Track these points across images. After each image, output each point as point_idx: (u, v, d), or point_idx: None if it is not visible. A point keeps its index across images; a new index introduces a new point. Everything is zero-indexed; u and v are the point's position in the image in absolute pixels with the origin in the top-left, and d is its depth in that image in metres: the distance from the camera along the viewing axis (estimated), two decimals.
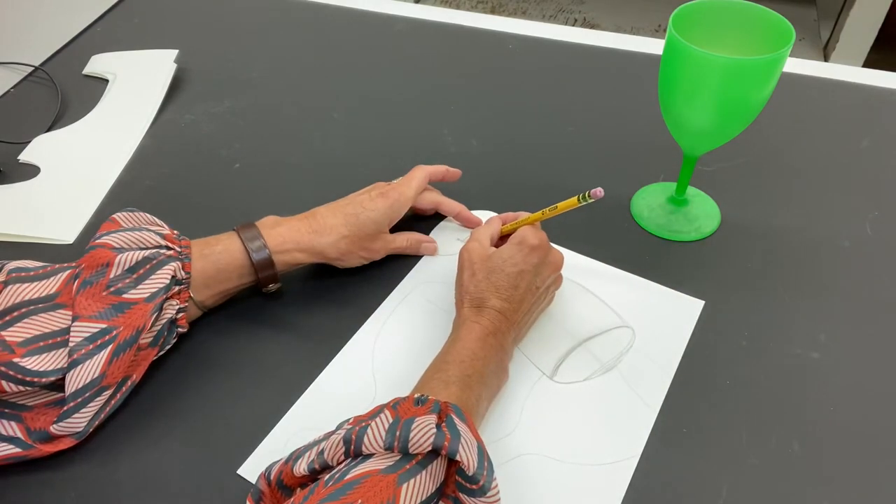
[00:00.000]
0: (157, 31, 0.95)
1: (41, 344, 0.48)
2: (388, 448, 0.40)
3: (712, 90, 0.53)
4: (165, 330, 0.53)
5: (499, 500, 0.41)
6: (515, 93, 0.82)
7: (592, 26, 2.30)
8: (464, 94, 0.83)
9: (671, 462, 0.49)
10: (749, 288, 0.60)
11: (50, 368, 0.47)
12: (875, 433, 0.51)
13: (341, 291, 0.61)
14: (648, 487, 0.48)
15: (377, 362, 0.56)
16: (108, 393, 0.49)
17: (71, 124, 0.80)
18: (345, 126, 0.79)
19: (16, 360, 0.46)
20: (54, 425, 0.48)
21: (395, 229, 0.61)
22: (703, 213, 0.66)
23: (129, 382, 0.51)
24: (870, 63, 2.02)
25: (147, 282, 0.51)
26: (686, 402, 0.52)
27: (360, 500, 0.37)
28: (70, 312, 0.49)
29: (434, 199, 0.64)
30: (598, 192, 0.52)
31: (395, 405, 0.42)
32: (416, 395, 0.43)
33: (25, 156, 0.75)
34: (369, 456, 0.40)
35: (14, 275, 0.50)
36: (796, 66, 0.83)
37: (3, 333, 0.47)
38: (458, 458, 0.39)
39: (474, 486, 0.40)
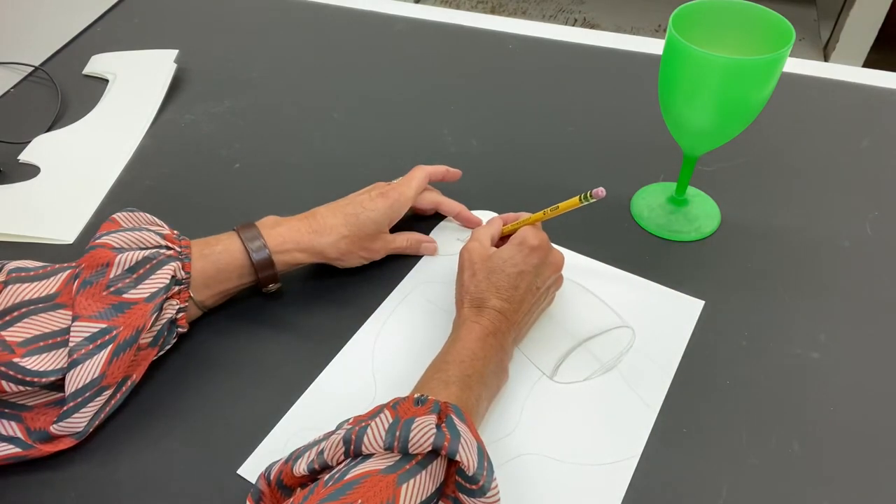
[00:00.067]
0: (157, 31, 0.95)
1: (41, 344, 0.48)
2: (388, 448, 0.40)
3: (712, 90, 0.53)
4: (165, 330, 0.53)
5: (499, 500, 0.41)
6: (515, 93, 0.82)
7: (592, 26, 2.30)
8: (464, 94, 0.83)
9: (671, 462, 0.49)
10: (749, 288, 0.60)
11: (50, 368, 0.47)
12: (875, 433, 0.51)
13: (341, 291, 0.61)
14: (648, 487, 0.48)
15: (377, 362, 0.56)
16: (108, 393, 0.50)
17: (71, 124, 0.80)
18: (345, 126, 0.79)
19: (16, 360, 0.46)
20: (54, 425, 0.48)
21: (395, 229, 0.61)
22: (703, 213, 0.66)
23: (129, 382, 0.51)
24: (870, 63, 2.02)
25: (147, 282, 0.51)
26: (686, 402, 0.52)
27: (359, 500, 0.37)
28: (70, 312, 0.49)
29: (434, 199, 0.64)
30: (600, 191, 0.52)
31: (394, 405, 0.42)
32: (415, 395, 0.43)
33: (25, 156, 0.75)
34: (369, 456, 0.40)
35: (14, 275, 0.50)
36: (796, 66, 0.83)
37: (3, 333, 0.47)
38: (457, 458, 0.39)
39: (474, 487, 0.40)
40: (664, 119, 0.59)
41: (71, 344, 0.48)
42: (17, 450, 0.48)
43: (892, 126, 0.76)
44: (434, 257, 0.64)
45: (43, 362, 0.47)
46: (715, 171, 0.70)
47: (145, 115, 0.81)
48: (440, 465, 0.41)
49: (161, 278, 0.51)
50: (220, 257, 0.55)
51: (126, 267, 0.50)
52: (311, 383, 0.54)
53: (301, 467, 0.41)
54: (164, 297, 0.51)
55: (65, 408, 0.48)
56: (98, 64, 0.88)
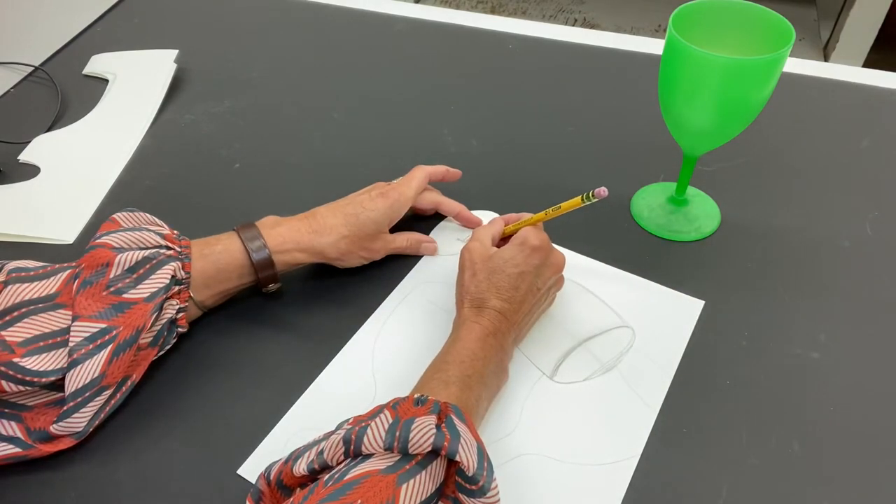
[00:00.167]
0: (157, 31, 0.95)
1: (41, 344, 0.48)
2: (388, 448, 0.40)
3: (712, 90, 0.53)
4: (165, 330, 0.53)
5: (498, 500, 0.41)
6: (515, 93, 0.82)
7: (592, 26, 2.30)
8: (464, 94, 0.83)
9: (671, 462, 0.49)
10: (749, 288, 0.60)
11: (50, 368, 0.47)
12: (875, 433, 0.51)
13: (341, 291, 0.61)
14: (648, 487, 0.48)
15: (377, 362, 0.56)
16: (107, 393, 0.50)
17: (71, 124, 0.80)
18: (345, 126, 0.79)
19: (16, 359, 0.46)
20: (54, 425, 0.48)
21: (395, 229, 0.61)
22: (703, 213, 0.66)
23: (129, 382, 0.51)
24: (870, 63, 2.02)
25: (147, 282, 0.51)
26: (686, 402, 0.52)
27: (359, 501, 0.37)
28: (70, 312, 0.49)
29: (434, 199, 0.64)
30: (602, 191, 0.52)
31: (394, 405, 0.42)
32: (415, 396, 0.43)
33: (25, 156, 0.75)
34: (369, 456, 0.40)
35: (14, 275, 0.50)
36: (796, 66, 0.83)
37: (3, 333, 0.47)
38: (457, 458, 0.39)
39: (474, 487, 0.40)
40: (664, 119, 0.59)
41: (71, 344, 0.48)
42: (17, 450, 0.48)
43: (892, 126, 0.76)
44: (434, 257, 0.64)
45: (43, 362, 0.47)
46: (715, 171, 0.70)
47: (145, 115, 0.81)
48: (440, 465, 0.41)
49: (161, 278, 0.51)
50: (220, 257, 0.55)
51: (126, 267, 0.50)
52: (311, 383, 0.54)
53: (301, 467, 0.41)
54: (164, 297, 0.51)
55: (65, 408, 0.48)
56: (98, 64, 0.88)
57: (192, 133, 0.79)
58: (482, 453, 0.41)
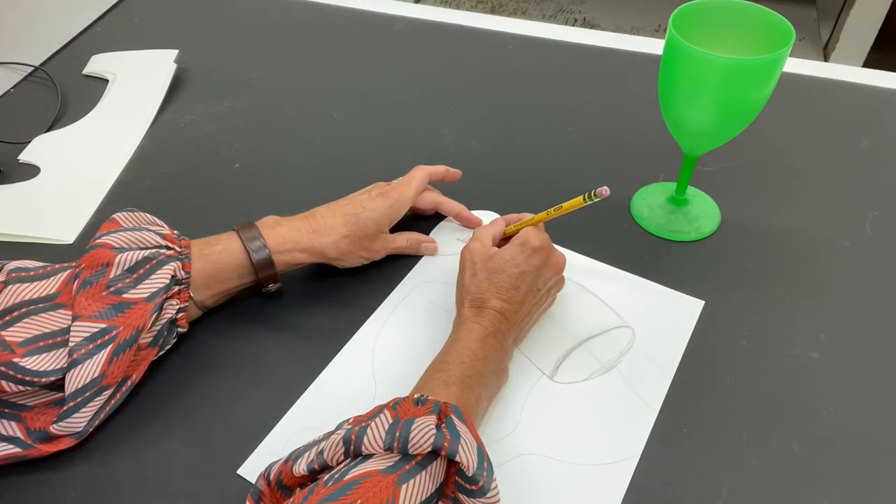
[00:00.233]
0: (157, 31, 0.95)
1: (41, 344, 0.48)
2: (388, 448, 0.40)
3: (712, 90, 0.53)
4: (165, 330, 0.53)
5: (498, 500, 0.41)
6: (515, 93, 0.82)
7: (592, 26, 2.30)
8: (464, 94, 0.83)
9: (671, 462, 0.49)
10: (749, 288, 0.60)
11: (50, 368, 0.47)
12: (875, 433, 0.51)
13: (341, 291, 0.61)
14: (648, 487, 0.48)
15: (377, 362, 0.56)
16: (107, 393, 0.50)
17: (71, 124, 0.80)
18: (345, 126, 0.79)
19: (16, 359, 0.46)
20: (54, 425, 0.48)
21: (395, 229, 0.61)
22: (703, 213, 0.66)
23: (129, 382, 0.51)
24: (870, 63, 2.02)
25: (147, 282, 0.51)
26: (686, 402, 0.52)
27: (359, 501, 0.37)
28: (70, 312, 0.49)
29: (434, 199, 0.64)
30: (604, 190, 0.52)
31: (394, 405, 0.42)
32: (415, 396, 0.43)
33: (25, 156, 0.75)
34: (369, 456, 0.40)
35: (14, 275, 0.50)
36: (796, 66, 0.83)
37: (3, 333, 0.47)
38: (457, 458, 0.39)
39: (474, 487, 0.40)
40: (664, 119, 0.59)
41: (71, 344, 0.48)
42: (17, 450, 0.48)
43: (892, 126, 0.76)
44: (434, 257, 0.64)
45: (43, 362, 0.47)
46: (715, 171, 0.70)
47: (145, 115, 0.81)
48: (440, 465, 0.41)
49: (161, 278, 0.51)
50: (220, 257, 0.55)
51: (126, 267, 0.50)
52: (311, 383, 0.54)
53: (301, 467, 0.41)
54: (164, 296, 0.51)
55: (65, 408, 0.48)
56: (98, 64, 0.88)
57: (192, 133, 0.79)
58: (482, 453, 0.41)
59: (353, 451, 0.40)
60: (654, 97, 0.59)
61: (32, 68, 0.88)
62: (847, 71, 0.83)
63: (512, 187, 0.70)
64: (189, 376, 0.55)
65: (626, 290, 0.60)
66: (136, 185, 0.73)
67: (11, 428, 0.48)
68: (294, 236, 0.56)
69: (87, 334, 0.48)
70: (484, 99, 0.82)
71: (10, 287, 0.49)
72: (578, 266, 0.62)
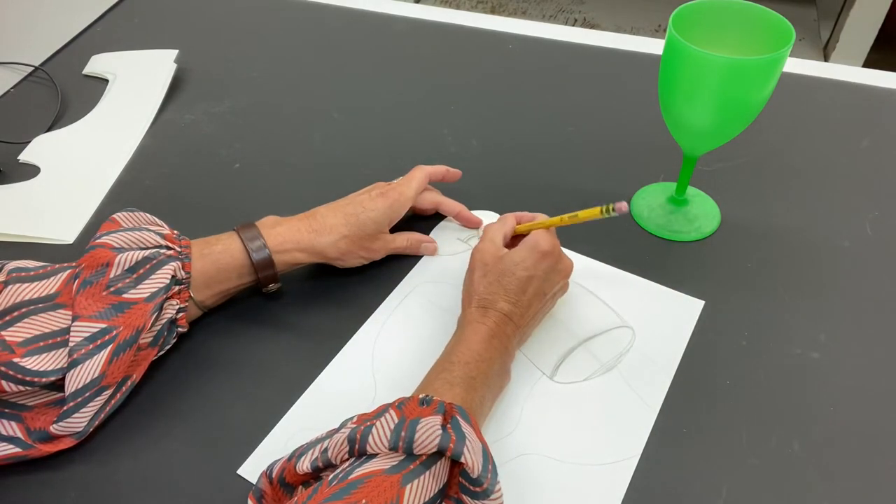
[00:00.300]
0: (157, 31, 0.95)
1: (41, 344, 0.48)
2: (393, 448, 0.40)
3: (712, 90, 0.53)
4: (165, 330, 0.53)
5: (502, 503, 0.41)
6: (515, 93, 0.82)
7: (592, 26, 2.30)
8: (464, 94, 0.83)
9: (671, 462, 0.49)
10: (749, 288, 0.60)
11: (50, 368, 0.47)
12: (875, 433, 0.51)
13: (341, 291, 0.61)
14: (648, 487, 0.48)
15: (377, 362, 0.56)
16: (107, 393, 0.50)
17: (71, 124, 0.80)
18: (345, 126, 0.79)
19: (16, 360, 0.46)
20: (54, 425, 0.48)
21: (395, 229, 0.61)
22: (703, 213, 0.66)
23: (129, 382, 0.51)
24: (870, 63, 2.02)
25: (147, 282, 0.51)
26: (686, 402, 0.52)
27: (364, 500, 0.38)
28: (70, 312, 0.49)
29: (434, 199, 0.64)
30: (623, 206, 0.50)
31: (399, 405, 0.42)
32: (420, 396, 0.43)
33: (25, 156, 0.75)
34: (373, 455, 0.40)
35: (14, 275, 0.50)
36: (796, 66, 0.83)
37: (3, 333, 0.47)
38: (462, 460, 0.40)
39: (478, 489, 0.40)
40: (664, 119, 0.59)
41: (71, 344, 0.48)
42: (17, 450, 0.48)
43: (892, 126, 0.76)
44: (434, 257, 0.64)
45: (43, 362, 0.47)
46: (715, 171, 0.70)
47: (145, 115, 0.81)
48: (444, 465, 0.41)
49: (161, 278, 0.51)
50: (220, 257, 0.55)
51: (126, 267, 0.50)
52: (311, 383, 0.54)
53: (304, 465, 0.41)
54: (164, 296, 0.51)
55: (65, 408, 0.48)
56: (98, 64, 0.88)
57: (192, 133, 0.79)
58: (487, 455, 0.41)
59: (358, 450, 0.40)
60: (654, 97, 0.59)
61: (32, 68, 0.88)
62: (847, 71, 0.83)
63: (512, 187, 0.70)
64: (189, 376, 0.55)
65: (626, 290, 0.60)
66: (136, 185, 0.73)
67: (11, 428, 0.48)
68: (294, 236, 0.56)
69: (87, 334, 0.48)
70: (484, 99, 0.82)
71: (10, 287, 0.49)
72: (579, 266, 0.62)
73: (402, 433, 0.40)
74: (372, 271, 0.62)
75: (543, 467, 0.49)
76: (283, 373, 0.55)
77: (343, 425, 0.44)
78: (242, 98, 0.83)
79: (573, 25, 1.43)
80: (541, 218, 0.57)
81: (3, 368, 0.46)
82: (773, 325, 0.57)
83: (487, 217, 0.66)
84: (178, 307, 0.53)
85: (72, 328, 0.48)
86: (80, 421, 0.48)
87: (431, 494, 0.40)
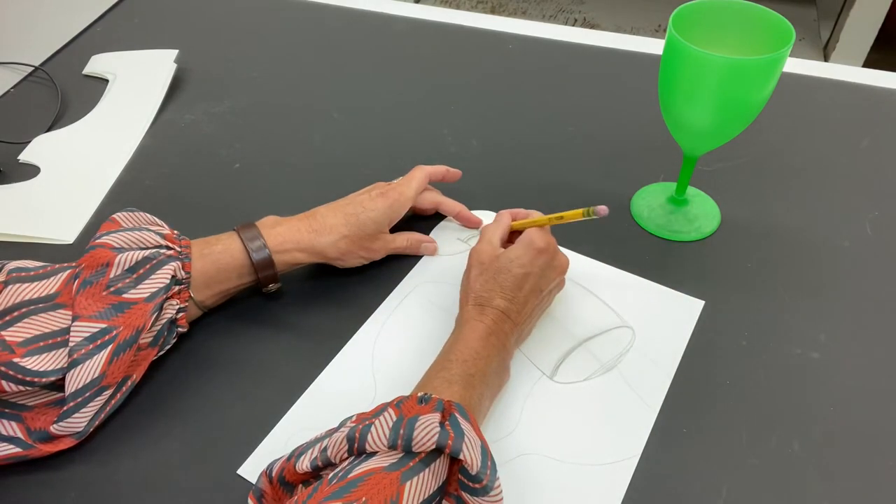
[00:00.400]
0: (157, 31, 0.95)
1: (41, 344, 0.48)
2: (392, 446, 0.40)
3: (712, 90, 0.53)
4: (165, 330, 0.53)
5: (501, 499, 0.41)
6: (515, 93, 0.82)
7: (592, 26, 2.30)
8: (464, 94, 0.83)
9: (671, 462, 0.49)
10: (749, 288, 0.60)
11: (50, 368, 0.47)
12: (875, 433, 0.51)
13: (341, 291, 0.61)
14: (648, 487, 0.48)
15: (377, 362, 0.56)
16: (108, 393, 0.50)
17: (71, 124, 0.80)
18: (345, 126, 0.79)
19: (16, 360, 0.46)
20: (54, 425, 0.48)
21: (395, 229, 0.61)
22: (703, 213, 0.66)
23: (129, 382, 0.51)
24: (870, 63, 2.02)
25: (147, 282, 0.51)
26: (686, 402, 0.52)
27: (364, 498, 0.38)
28: (70, 312, 0.49)
29: (434, 199, 0.64)
30: (603, 209, 0.52)
31: (398, 403, 0.42)
32: (419, 394, 0.43)
33: (25, 156, 0.75)
34: (373, 453, 0.40)
35: (14, 275, 0.50)
36: (796, 66, 0.83)
37: (3, 333, 0.47)
38: (461, 457, 0.40)
39: (477, 486, 0.40)
40: (664, 119, 0.59)
41: (71, 344, 0.48)
42: (17, 450, 0.48)
43: (892, 126, 0.76)
44: (434, 257, 0.64)
45: (43, 362, 0.47)
46: (715, 171, 0.70)
47: (145, 115, 0.81)
48: (443, 463, 0.41)
49: (161, 278, 0.51)
50: (220, 257, 0.55)
51: (126, 267, 0.50)
52: (311, 383, 0.54)
53: (304, 464, 0.42)
54: (164, 296, 0.51)
55: (65, 408, 0.48)
56: (98, 64, 0.88)
57: (192, 133, 0.79)
58: (486, 452, 0.41)
59: (357, 449, 0.40)
60: (654, 97, 0.59)
61: (32, 68, 0.88)
62: (847, 71, 0.83)
63: (512, 187, 0.70)
64: (189, 376, 0.55)
65: (626, 290, 0.60)
66: (136, 185, 0.73)
67: (12, 428, 0.48)
68: (294, 236, 0.56)
69: (88, 334, 0.48)
70: (484, 99, 0.82)
71: (10, 287, 0.49)
72: (578, 266, 0.62)
73: (401, 431, 0.40)
74: (372, 271, 0.62)
75: (543, 467, 0.49)
76: (283, 373, 0.55)
77: (342, 424, 0.44)
78: (242, 98, 0.83)
79: (573, 25, 1.43)
80: (535, 215, 0.57)
81: (3, 368, 0.46)
82: (773, 325, 0.57)
83: (487, 217, 0.66)
84: (178, 307, 0.53)
85: (72, 328, 0.48)
86: (80, 421, 0.48)
87: (431, 491, 0.40)
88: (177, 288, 0.53)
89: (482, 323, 0.50)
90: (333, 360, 0.56)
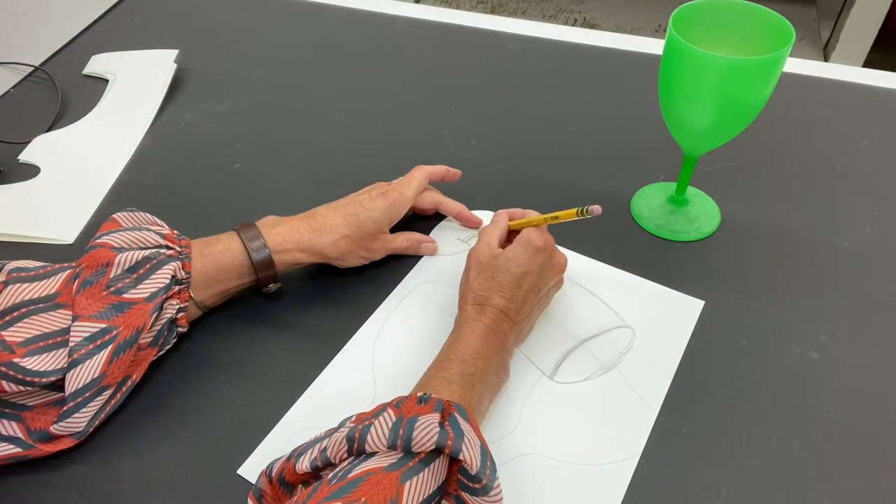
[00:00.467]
0: (157, 31, 0.95)
1: (41, 344, 0.48)
2: (392, 446, 0.40)
3: (712, 90, 0.53)
4: (165, 330, 0.53)
5: (501, 499, 0.41)
6: (515, 93, 0.82)
7: (592, 26, 2.30)
8: (464, 94, 0.83)
9: (671, 462, 0.49)
10: (749, 288, 0.60)
11: (50, 368, 0.47)
12: (875, 433, 0.51)
13: (341, 291, 0.61)
14: (648, 487, 0.48)
15: (377, 362, 0.56)
16: (108, 393, 0.50)
17: (71, 124, 0.80)
18: (345, 126, 0.79)
19: (16, 360, 0.46)
20: (54, 425, 0.48)
21: (395, 229, 0.61)
22: (703, 213, 0.66)
23: (129, 382, 0.51)
24: (870, 63, 2.02)
25: (147, 281, 0.51)
26: (686, 402, 0.52)
27: (363, 498, 0.38)
28: (70, 312, 0.49)
29: (434, 199, 0.64)
30: (596, 209, 0.51)
31: (397, 404, 0.42)
32: (418, 394, 0.43)
33: (25, 156, 0.75)
34: (372, 454, 0.40)
35: (14, 275, 0.50)
36: (796, 66, 0.83)
37: (3, 333, 0.47)
38: (460, 457, 0.40)
39: (477, 486, 0.40)
40: (664, 119, 0.59)
41: (71, 344, 0.48)
42: (18, 450, 0.48)
43: (892, 126, 0.76)
44: (434, 257, 0.64)
45: (43, 362, 0.47)
46: (715, 171, 0.70)
47: (145, 115, 0.81)
48: (442, 463, 0.41)
49: (161, 278, 0.51)
50: (220, 257, 0.55)
51: (126, 267, 0.50)
52: (311, 383, 0.54)
53: (304, 464, 0.42)
54: (164, 296, 0.51)
55: (65, 408, 0.48)
56: (98, 64, 0.88)
57: (192, 133, 0.79)
58: (485, 452, 0.41)
59: (357, 449, 0.40)
60: (654, 97, 0.59)
61: (32, 68, 0.88)
62: (847, 71, 0.83)
63: (512, 187, 0.70)
64: (189, 376, 0.55)
65: (626, 290, 0.60)
66: (136, 185, 0.73)
67: (12, 428, 0.48)
68: (294, 236, 0.57)
69: (87, 334, 0.48)
70: (484, 99, 0.82)
71: (10, 287, 0.49)
72: (578, 266, 0.62)
73: (401, 431, 0.40)
74: (372, 271, 0.62)
75: (543, 467, 0.49)
76: (283, 373, 0.55)
77: (342, 425, 0.44)
78: (242, 98, 0.83)
79: (573, 25, 1.43)
80: (531, 214, 0.57)
81: (3, 368, 0.46)
82: (773, 325, 0.57)
83: (487, 217, 0.66)
84: (178, 307, 0.53)
85: (72, 328, 0.48)
86: (80, 421, 0.48)
87: (430, 491, 0.40)
88: (177, 288, 0.53)
89: (481, 322, 0.50)
90: (333, 360, 0.56)
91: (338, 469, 0.40)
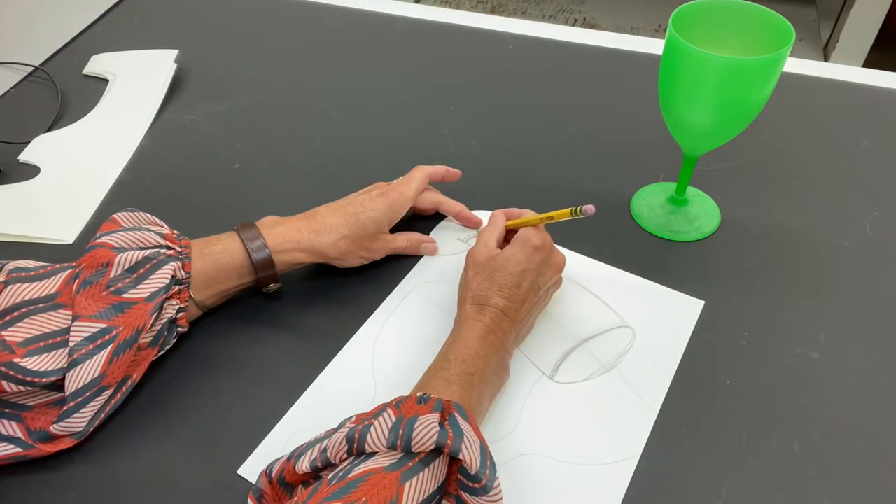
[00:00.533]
0: (157, 31, 0.95)
1: (41, 344, 0.48)
2: (392, 446, 0.40)
3: (712, 90, 0.53)
4: (165, 330, 0.53)
5: (501, 499, 0.41)
6: (515, 93, 0.82)
7: (592, 26, 2.30)
8: (464, 94, 0.83)
9: (671, 462, 0.49)
10: (749, 288, 0.60)
11: (50, 368, 0.47)
12: (875, 433, 0.51)
13: (341, 291, 0.61)
14: (648, 487, 0.48)
15: (377, 362, 0.56)
16: (108, 393, 0.50)
17: (71, 124, 0.80)
18: (345, 126, 0.79)
19: (16, 360, 0.46)
20: (54, 425, 0.48)
21: (395, 229, 0.61)
22: (703, 213, 0.66)
23: (129, 382, 0.51)
24: (870, 63, 2.02)
25: (147, 281, 0.51)
26: (686, 402, 0.52)
27: (363, 498, 0.38)
28: (70, 312, 0.49)
29: (434, 199, 0.64)
30: (590, 208, 0.51)
31: (397, 404, 0.42)
32: (418, 394, 0.43)
33: (25, 156, 0.75)
34: (372, 454, 0.40)
35: (14, 275, 0.50)
36: (796, 66, 0.83)
37: (3, 333, 0.47)
38: (460, 457, 0.40)
39: (477, 485, 0.40)
40: (664, 119, 0.59)
41: (71, 344, 0.48)
42: (18, 450, 0.48)
43: (892, 126, 0.76)
44: (434, 257, 0.64)
45: (43, 362, 0.47)
46: (715, 171, 0.70)
47: (145, 115, 0.81)
48: (442, 463, 0.41)
49: (161, 278, 0.51)
50: (220, 257, 0.55)
51: (126, 267, 0.50)
52: (311, 383, 0.54)
53: (304, 465, 0.42)
54: (164, 296, 0.51)
55: (65, 408, 0.48)
56: (98, 64, 0.88)
57: (192, 133, 0.79)
58: (485, 452, 0.41)
59: (357, 450, 0.40)
60: (654, 97, 0.59)
61: (32, 68, 0.88)
62: (847, 71, 0.83)
63: (512, 187, 0.70)
64: (189, 376, 0.55)
65: (626, 290, 0.60)
66: (136, 185, 0.73)
67: (12, 428, 0.48)
68: (294, 236, 0.57)
69: (87, 334, 0.48)
70: (484, 99, 0.82)
71: (10, 287, 0.49)
72: (578, 266, 0.62)
73: (400, 431, 0.40)
74: (372, 271, 0.62)
75: (543, 467, 0.49)
76: (283, 373, 0.55)
77: (342, 425, 0.44)
78: (242, 98, 0.83)
79: (573, 25, 1.43)
80: (528, 214, 0.57)
81: (3, 369, 0.46)
82: (773, 325, 0.57)
83: (487, 217, 0.66)
84: (178, 307, 0.53)
85: (72, 328, 0.48)
86: (80, 421, 0.48)
87: (430, 491, 0.40)
88: (177, 288, 0.53)
89: (480, 322, 0.50)
90: (333, 360, 0.56)
91: (338, 469, 0.40)
